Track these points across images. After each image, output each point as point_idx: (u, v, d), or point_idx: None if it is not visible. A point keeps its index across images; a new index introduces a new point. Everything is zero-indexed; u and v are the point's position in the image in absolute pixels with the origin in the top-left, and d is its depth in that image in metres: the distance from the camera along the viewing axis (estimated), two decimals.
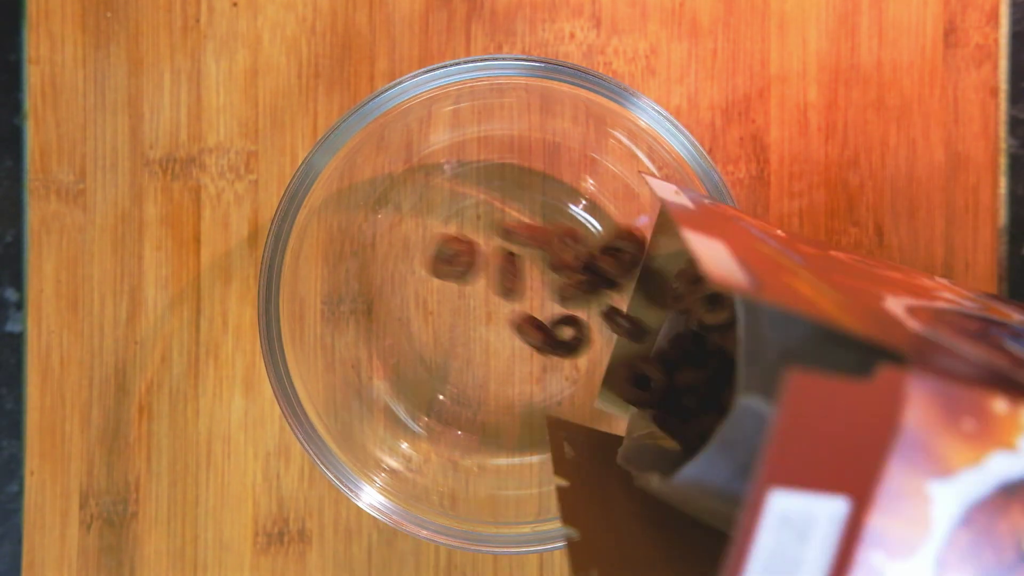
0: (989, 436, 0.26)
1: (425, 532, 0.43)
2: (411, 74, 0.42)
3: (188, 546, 0.46)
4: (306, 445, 0.42)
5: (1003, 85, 0.47)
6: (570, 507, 0.35)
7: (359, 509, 0.46)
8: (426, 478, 0.45)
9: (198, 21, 0.46)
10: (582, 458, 0.39)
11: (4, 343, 0.47)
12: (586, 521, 0.34)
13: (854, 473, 0.26)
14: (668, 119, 0.41)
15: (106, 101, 0.46)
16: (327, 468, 0.42)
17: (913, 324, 0.29)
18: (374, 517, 0.43)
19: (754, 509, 0.26)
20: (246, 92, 0.46)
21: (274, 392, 0.42)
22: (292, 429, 0.42)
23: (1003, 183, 0.47)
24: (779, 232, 0.36)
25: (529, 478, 0.45)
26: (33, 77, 0.47)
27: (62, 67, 0.46)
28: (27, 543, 0.46)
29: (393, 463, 0.46)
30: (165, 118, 0.46)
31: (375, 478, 0.43)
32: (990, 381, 0.27)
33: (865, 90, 0.46)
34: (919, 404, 0.26)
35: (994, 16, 0.46)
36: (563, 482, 0.36)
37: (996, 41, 0.46)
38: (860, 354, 0.28)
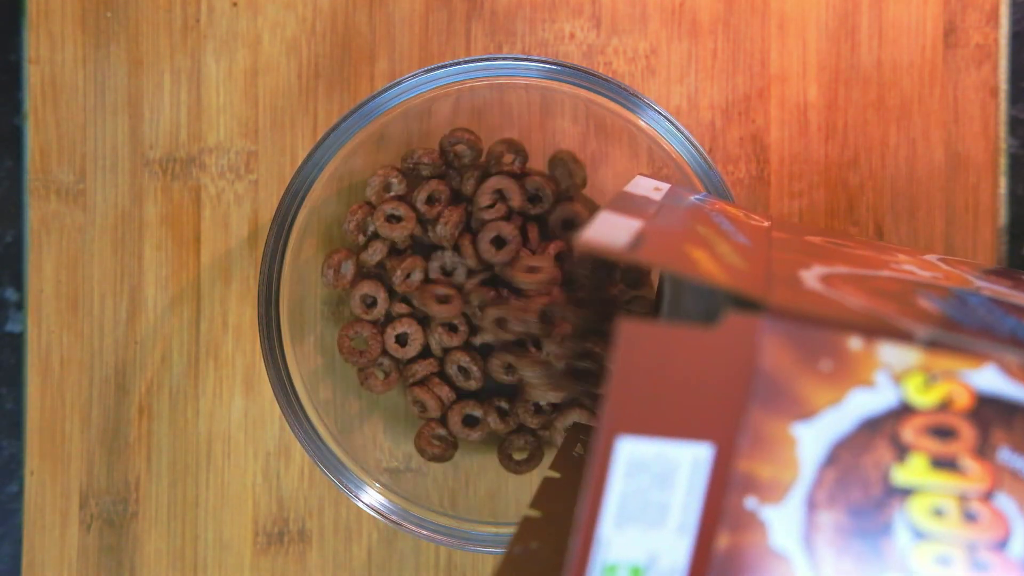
0: (847, 374, 0.27)
1: (425, 532, 0.43)
2: (411, 74, 0.42)
3: (188, 546, 0.46)
4: (306, 445, 0.42)
5: (1003, 85, 0.47)
6: (545, 495, 0.35)
7: (359, 509, 0.46)
8: (426, 478, 0.45)
9: (198, 21, 0.46)
10: (589, 454, 0.39)
11: (4, 343, 0.47)
12: (553, 506, 0.34)
13: (715, 419, 0.26)
14: (668, 119, 0.41)
15: (106, 101, 0.46)
16: (327, 468, 0.42)
17: (813, 285, 0.30)
18: (374, 517, 0.43)
19: (603, 456, 0.26)
20: (246, 92, 0.46)
21: (274, 392, 0.42)
22: (292, 429, 0.42)
23: (1003, 183, 0.47)
24: (763, 223, 0.37)
25: (529, 478, 0.45)
26: (33, 77, 0.47)
27: (62, 67, 0.46)
28: (27, 543, 0.46)
29: (393, 463, 0.46)
30: (165, 118, 0.46)
31: (375, 478, 0.43)
32: (862, 326, 0.27)
33: (865, 90, 0.46)
34: (773, 348, 0.26)
35: (994, 16, 0.46)
36: (555, 475, 0.37)
37: (996, 41, 0.46)
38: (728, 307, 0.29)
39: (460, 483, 0.46)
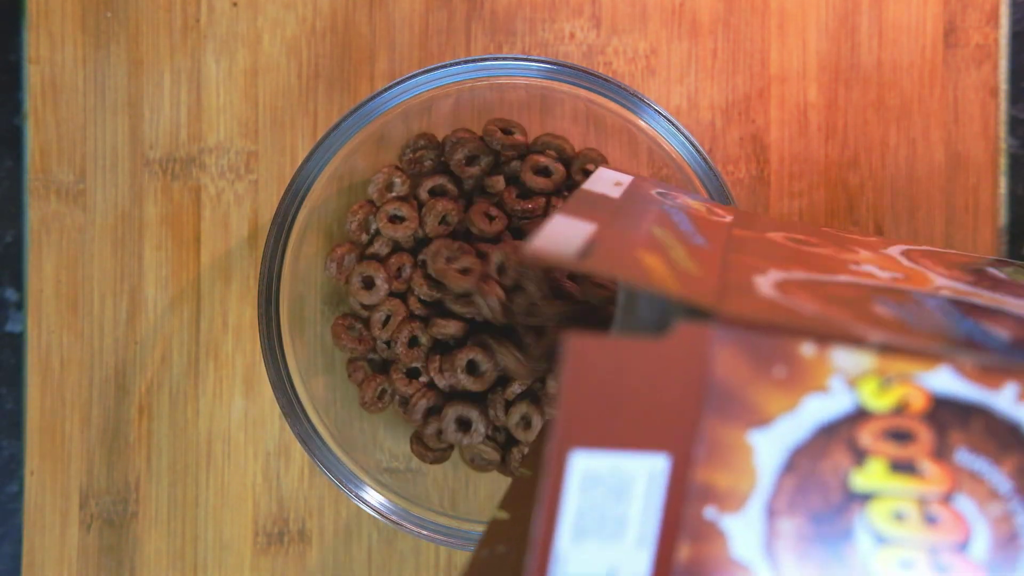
0: (801, 380, 0.27)
1: (425, 532, 0.43)
2: (411, 74, 0.42)
3: (188, 546, 0.46)
4: (306, 445, 0.42)
5: (1003, 85, 0.47)
6: (514, 495, 0.35)
7: (359, 509, 0.46)
8: (426, 478, 0.45)
9: (198, 21, 0.46)
10: None
11: (4, 343, 0.47)
12: (522, 508, 0.34)
13: (669, 429, 0.26)
14: (668, 119, 0.41)
15: (106, 101, 0.46)
16: (327, 468, 0.42)
17: (767, 292, 0.29)
18: (374, 517, 0.43)
19: (556, 472, 0.26)
20: (246, 92, 0.46)
21: (274, 392, 0.42)
22: (292, 429, 0.42)
23: (1003, 183, 0.47)
24: (726, 218, 0.36)
25: None
26: (33, 77, 0.47)
27: (62, 67, 0.46)
28: (27, 543, 0.46)
29: (393, 463, 0.46)
30: (165, 118, 0.46)
31: (375, 478, 0.43)
32: (814, 331, 0.27)
33: (865, 90, 0.46)
34: (725, 357, 0.26)
35: (994, 16, 0.46)
36: (528, 472, 0.36)
37: (996, 41, 0.46)
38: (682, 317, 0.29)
39: (460, 483, 0.46)
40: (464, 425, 0.43)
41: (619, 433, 0.26)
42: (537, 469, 0.37)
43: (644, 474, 0.26)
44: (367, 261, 0.44)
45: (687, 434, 0.26)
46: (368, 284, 0.44)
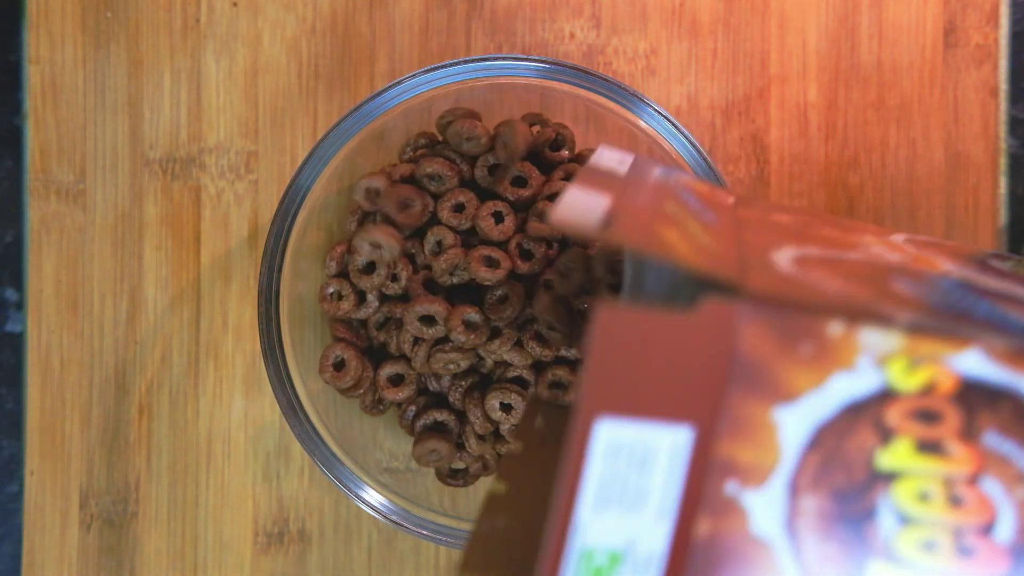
0: (828, 358, 0.26)
1: (425, 532, 0.43)
2: (411, 74, 0.42)
3: (188, 546, 0.46)
4: (306, 445, 0.42)
5: (1003, 85, 0.47)
6: (509, 465, 0.35)
7: (359, 509, 0.46)
8: (426, 478, 0.45)
9: (198, 21, 0.46)
10: (550, 428, 0.39)
11: (4, 343, 0.47)
12: (519, 477, 0.34)
13: (694, 401, 0.26)
14: (668, 119, 0.41)
15: (106, 101, 0.46)
16: (327, 468, 0.42)
17: (786, 269, 0.29)
18: (374, 517, 0.43)
19: (581, 438, 0.26)
20: (246, 92, 0.46)
21: (274, 392, 0.42)
22: (292, 429, 0.42)
23: (1003, 183, 0.47)
24: (728, 199, 0.36)
25: None
26: (33, 77, 0.47)
27: (62, 67, 0.46)
28: (27, 543, 0.46)
29: (393, 463, 0.46)
30: (165, 118, 0.46)
31: (375, 478, 0.43)
32: (842, 310, 0.27)
33: (865, 90, 0.46)
34: (752, 333, 0.26)
35: (994, 16, 0.46)
36: (518, 445, 0.36)
37: (996, 41, 0.46)
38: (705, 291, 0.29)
39: None
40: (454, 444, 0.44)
41: (644, 403, 0.26)
42: (528, 441, 0.37)
43: (667, 445, 0.26)
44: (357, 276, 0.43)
45: (711, 407, 0.26)
46: (362, 299, 0.44)
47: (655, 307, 0.30)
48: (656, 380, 0.26)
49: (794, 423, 0.27)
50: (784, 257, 0.30)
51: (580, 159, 0.44)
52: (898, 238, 0.37)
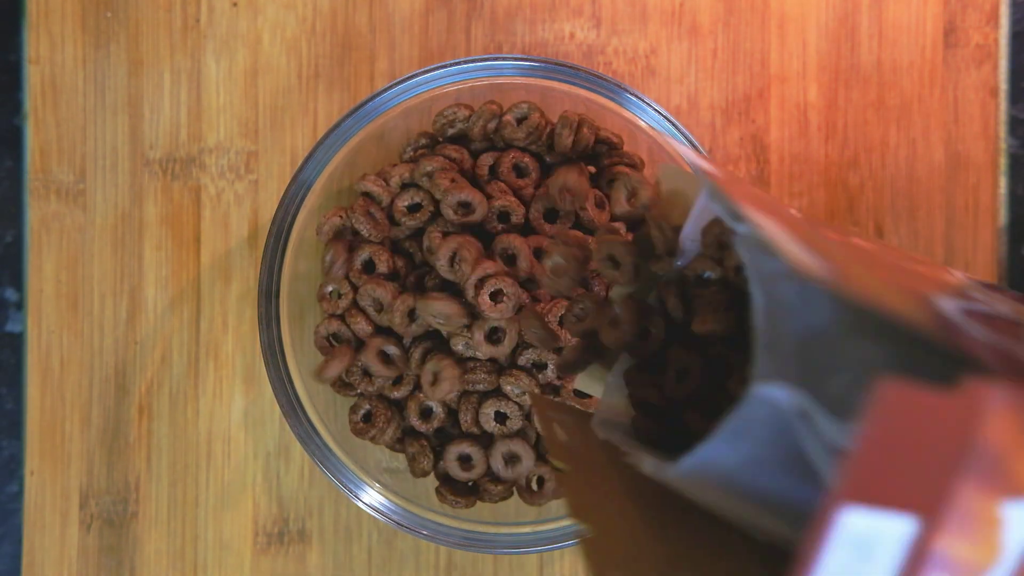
0: None
1: (425, 532, 0.43)
2: (411, 74, 0.42)
3: (188, 546, 0.46)
4: (306, 445, 0.42)
5: (1003, 85, 0.47)
6: (576, 497, 0.32)
7: (359, 509, 0.46)
8: (426, 478, 0.45)
9: (198, 21, 0.46)
10: (574, 442, 0.37)
11: (4, 343, 0.47)
12: (596, 515, 0.32)
13: (925, 490, 0.24)
14: (668, 119, 0.41)
15: (106, 101, 0.46)
16: (327, 468, 0.42)
17: (976, 330, 0.27)
18: (374, 517, 0.43)
19: (822, 526, 0.24)
20: (246, 92, 0.46)
21: (274, 392, 0.42)
22: (292, 429, 0.42)
23: (1003, 183, 0.47)
24: (795, 212, 0.34)
25: None
26: (33, 77, 0.47)
27: (62, 67, 0.46)
28: (27, 543, 0.46)
29: (393, 463, 0.46)
30: (165, 118, 0.46)
31: (375, 478, 0.43)
32: None
33: (865, 90, 0.46)
34: (998, 419, 0.23)
35: (994, 16, 0.46)
36: (561, 465, 0.34)
37: (996, 41, 0.46)
38: (921, 357, 0.26)
39: None
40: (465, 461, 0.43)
41: (885, 491, 0.24)
42: (569, 463, 0.35)
43: (892, 536, 0.24)
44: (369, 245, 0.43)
45: (941, 497, 0.24)
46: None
47: (932, 385, 0.27)
48: (901, 465, 0.24)
49: (1021, 521, 0.24)
50: (951, 307, 0.28)
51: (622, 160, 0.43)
52: (959, 275, 0.35)
